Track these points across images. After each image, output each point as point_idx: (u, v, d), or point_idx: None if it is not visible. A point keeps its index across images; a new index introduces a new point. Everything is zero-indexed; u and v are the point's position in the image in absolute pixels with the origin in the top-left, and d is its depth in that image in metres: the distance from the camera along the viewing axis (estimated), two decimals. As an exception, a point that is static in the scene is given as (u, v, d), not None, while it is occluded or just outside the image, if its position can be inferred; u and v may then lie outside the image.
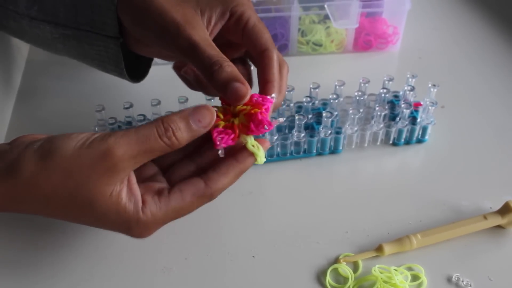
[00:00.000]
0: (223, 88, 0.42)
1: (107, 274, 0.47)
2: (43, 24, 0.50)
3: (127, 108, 0.56)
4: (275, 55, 0.46)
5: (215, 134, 0.41)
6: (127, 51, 0.50)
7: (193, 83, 0.49)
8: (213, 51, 0.42)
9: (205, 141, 0.44)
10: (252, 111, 0.42)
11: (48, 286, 0.46)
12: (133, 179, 0.40)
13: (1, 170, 0.37)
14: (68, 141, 0.38)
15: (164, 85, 0.62)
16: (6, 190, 0.37)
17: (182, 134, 0.39)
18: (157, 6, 0.44)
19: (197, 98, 0.56)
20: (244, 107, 0.42)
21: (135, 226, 0.39)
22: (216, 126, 0.42)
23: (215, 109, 0.42)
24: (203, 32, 0.44)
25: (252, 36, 0.46)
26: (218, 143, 0.41)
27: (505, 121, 0.63)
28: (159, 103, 0.57)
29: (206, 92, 0.49)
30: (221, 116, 0.42)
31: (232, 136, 0.42)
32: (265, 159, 0.43)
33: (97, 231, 0.49)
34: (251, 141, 0.43)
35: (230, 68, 0.42)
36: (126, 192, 0.39)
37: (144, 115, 0.56)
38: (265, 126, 0.42)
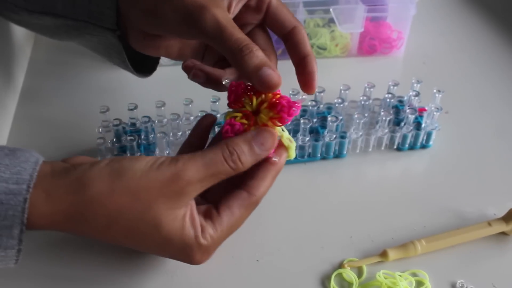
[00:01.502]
0: (254, 74, 0.40)
1: (110, 278, 0.46)
2: (42, 16, 0.50)
3: (131, 109, 0.56)
4: (303, 30, 0.46)
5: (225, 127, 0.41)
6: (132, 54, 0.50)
7: (204, 84, 0.47)
8: (241, 34, 0.41)
9: None
10: (273, 100, 0.41)
11: (52, 285, 0.46)
12: (194, 205, 0.40)
13: (66, 187, 0.36)
14: (137, 162, 0.37)
15: (169, 87, 0.62)
16: (69, 208, 0.36)
17: (247, 158, 0.39)
18: None
19: (202, 100, 0.56)
20: (259, 99, 0.41)
21: (196, 251, 0.39)
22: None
23: (234, 118, 0.41)
24: (226, 13, 0.42)
25: (277, 16, 0.46)
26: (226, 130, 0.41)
27: (510, 126, 0.63)
28: (163, 104, 0.56)
29: (217, 89, 0.47)
30: (246, 122, 0.41)
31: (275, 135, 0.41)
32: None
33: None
34: (286, 135, 0.42)
35: (261, 53, 0.41)
36: (189, 217, 0.39)
37: (148, 117, 0.56)
38: (294, 108, 0.41)
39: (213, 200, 0.42)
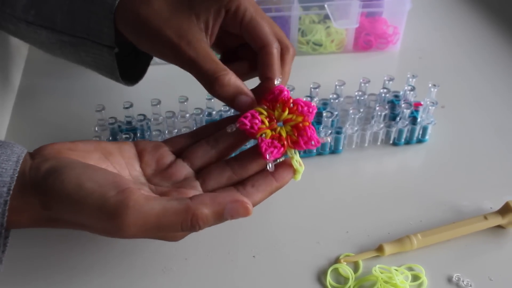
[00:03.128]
0: (230, 103, 0.43)
1: (107, 274, 0.46)
2: (40, 29, 0.50)
3: (127, 108, 0.56)
4: (274, 50, 0.45)
5: (264, 147, 0.41)
6: (124, 54, 0.50)
7: None
8: (211, 64, 0.43)
9: (240, 141, 0.45)
10: (300, 124, 0.42)
11: (46, 285, 0.46)
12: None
13: (22, 200, 0.36)
14: (80, 192, 0.35)
15: (164, 85, 0.62)
16: (31, 217, 0.37)
17: (208, 225, 0.37)
18: (151, 25, 0.44)
19: (198, 97, 0.56)
20: (290, 116, 0.43)
21: (170, 238, 0.40)
22: (262, 134, 0.42)
23: (258, 113, 0.42)
24: (199, 44, 0.44)
25: (250, 31, 0.46)
26: (268, 157, 0.41)
27: (505, 120, 0.63)
28: (159, 102, 0.57)
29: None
30: (266, 123, 0.42)
31: (282, 150, 0.42)
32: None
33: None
34: (296, 157, 0.43)
35: (231, 81, 0.42)
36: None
37: (144, 115, 0.56)
38: (313, 142, 0.42)
39: (208, 191, 0.42)
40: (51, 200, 0.36)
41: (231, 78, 0.42)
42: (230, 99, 0.43)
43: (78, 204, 0.35)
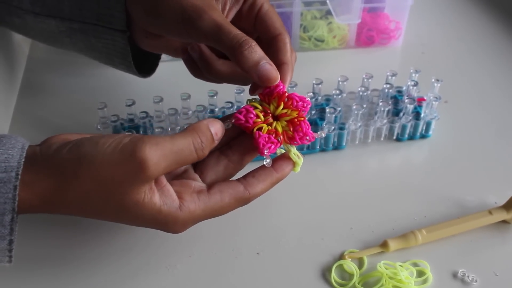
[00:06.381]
0: (253, 69, 0.41)
1: (111, 271, 0.46)
2: (48, 19, 0.50)
3: (129, 105, 0.56)
4: (287, 39, 0.46)
5: (261, 142, 0.41)
6: (135, 45, 0.50)
7: (197, 61, 0.48)
8: (238, 31, 0.42)
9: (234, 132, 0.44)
10: (296, 120, 0.43)
11: (51, 282, 0.46)
12: (164, 181, 0.40)
13: (36, 173, 0.37)
14: (96, 147, 0.37)
15: (166, 82, 0.62)
16: (43, 192, 0.37)
17: (208, 146, 0.39)
18: None
19: (200, 94, 0.56)
20: (285, 110, 0.43)
21: (172, 224, 0.40)
22: (259, 128, 0.42)
23: (253, 107, 0.42)
24: (222, 15, 0.44)
25: (266, 21, 0.47)
26: (266, 153, 0.42)
27: (509, 115, 0.63)
28: (161, 100, 0.56)
29: (209, 73, 0.48)
30: (261, 117, 0.42)
31: (278, 145, 0.42)
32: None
33: (101, 228, 0.49)
34: (294, 151, 0.43)
35: (259, 49, 0.42)
36: (158, 196, 0.38)
37: (146, 112, 0.56)
38: (307, 138, 0.43)
39: (208, 183, 0.42)
40: (66, 164, 0.37)
41: (258, 46, 0.42)
42: (254, 64, 0.41)
43: (96, 158, 0.36)
